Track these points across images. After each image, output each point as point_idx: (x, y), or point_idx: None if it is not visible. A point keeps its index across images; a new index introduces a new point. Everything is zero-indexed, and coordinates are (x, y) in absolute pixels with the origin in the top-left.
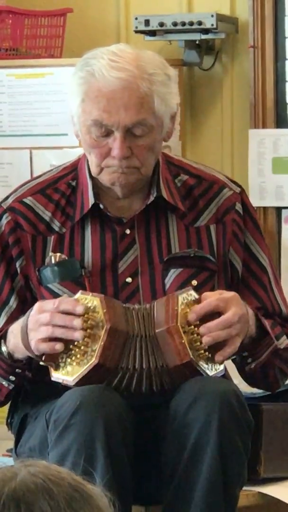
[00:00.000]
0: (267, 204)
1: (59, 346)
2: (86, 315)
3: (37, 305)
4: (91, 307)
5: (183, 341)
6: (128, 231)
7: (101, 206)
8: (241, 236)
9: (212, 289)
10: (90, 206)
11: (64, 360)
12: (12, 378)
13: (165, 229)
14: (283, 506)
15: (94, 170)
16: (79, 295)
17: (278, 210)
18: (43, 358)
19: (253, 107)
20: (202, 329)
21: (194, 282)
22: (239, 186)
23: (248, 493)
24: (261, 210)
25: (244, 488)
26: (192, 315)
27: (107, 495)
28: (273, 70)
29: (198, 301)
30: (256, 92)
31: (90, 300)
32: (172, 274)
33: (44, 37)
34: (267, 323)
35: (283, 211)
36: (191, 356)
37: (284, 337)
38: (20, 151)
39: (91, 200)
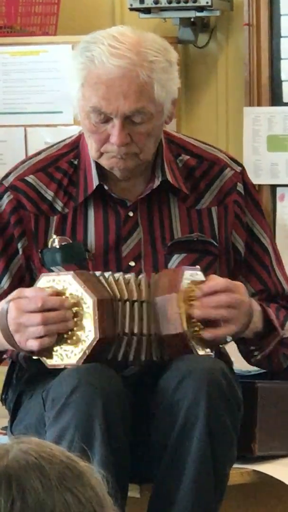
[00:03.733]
0: (262, 182)
1: (49, 340)
2: (65, 297)
3: (14, 307)
4: (66, 287)
5: (179, 311)
6: (131, 214)
7: (105, 187)
8: (243, 217)
9: (215, 273)
10: (94, 187)
11: (56, 346)
12: None
13: (167, 212)
14: (278, 484)
15: (93, 155)
16: (45, 278)
17: (273, 187)
18: (35, 353)
19: (248, 85)
20: (197, 302)
21: (197, 267)
22: (240, 165)
23: (243, 471)
24: (256, 188)
25: (239, 466)
26: (198, 292)
27: (100, 472)
28: (268, 48)
29: (203, 283)
30: (251, 70)
31: (61, 279)
32: (176, 259)
33: (39, 15)
34: (272, 313)
35: (278, 188)
36: (185, 329)
37: None
38: (14, 129)
39: (95, 182)
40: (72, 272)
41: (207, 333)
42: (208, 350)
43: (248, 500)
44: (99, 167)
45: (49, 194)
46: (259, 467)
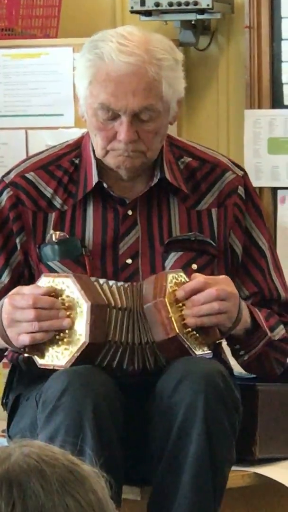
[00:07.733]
0: (263, 185)
1: (42, 336)
2: (61, 298)
3: (8, 302)
4: (64, 289)
5: (169, 315)
6: (130, 212)
7: (104, 185)
8: (242, 220)
9: (212, 273)
10: (94, 184)
11: (48, 346)
12: None
13: (166, 212)
14: (279, 486)
15: (99, 153)
16: (44, 278)
17: (274, 190)
18: (26, 350)
19: (248, 88)
20: (187, 303)
21: (194, 266)
22: (242, 169)
23: (244, 473)
24: (257, 191)
25: (240, 468)
26: (180, 292)
27: (103, 476)
28: (269, 51)
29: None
30: (251, 73)
31: (60, 281)
32: (173, 257)
33: (40, 17)
34: (260, 315)
35: (279, 191)
36: (178, 331)
37: (281, 326)
38: (15, 132)
39: (94, 179)
40: (71, 274)
41: (205, 318)
42: (205, 349)
43: (249, 502)
44: (99, 165)
45: (48, 191)
46: (259, 470)
